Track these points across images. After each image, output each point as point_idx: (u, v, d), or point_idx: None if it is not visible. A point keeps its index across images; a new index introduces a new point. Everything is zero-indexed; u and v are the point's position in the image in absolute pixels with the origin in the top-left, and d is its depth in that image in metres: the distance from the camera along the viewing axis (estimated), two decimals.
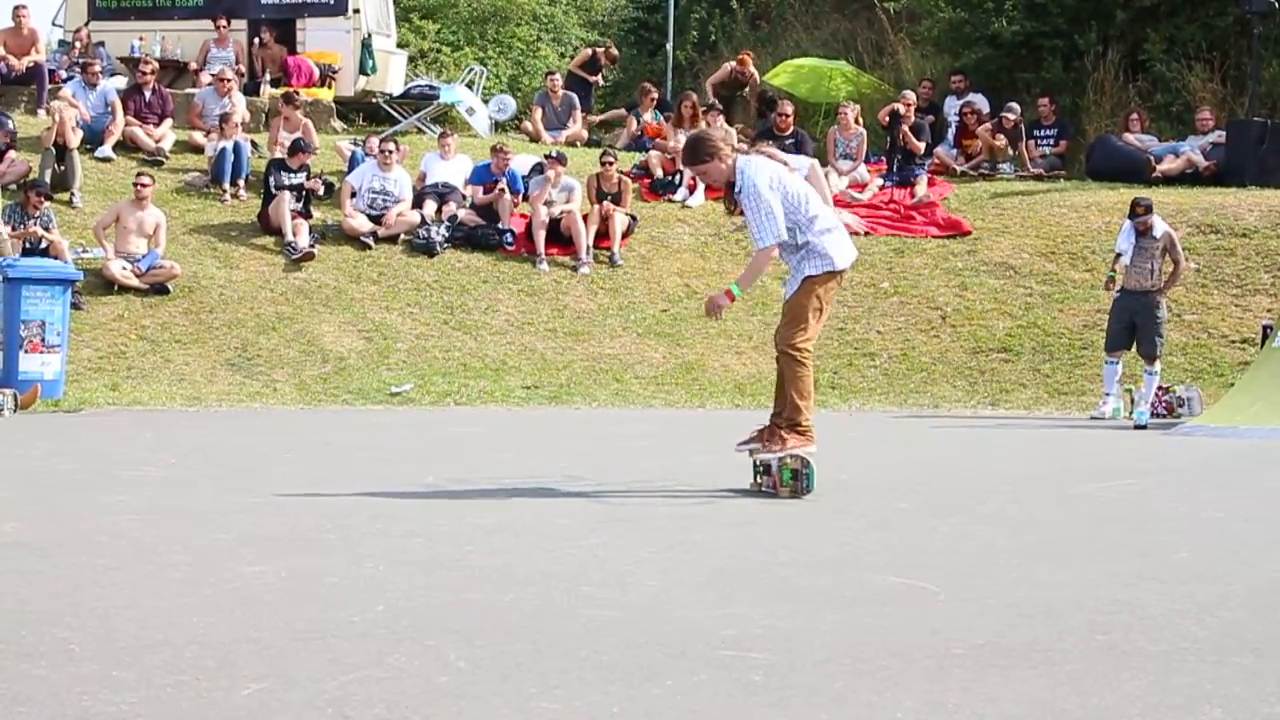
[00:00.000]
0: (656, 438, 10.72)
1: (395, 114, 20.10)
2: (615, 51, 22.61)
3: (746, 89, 20.13)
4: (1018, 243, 16.02)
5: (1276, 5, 16.88)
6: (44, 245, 13.63)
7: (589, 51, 21.88)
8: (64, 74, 18.46)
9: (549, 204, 15.81)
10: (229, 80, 17.67)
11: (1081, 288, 15.03)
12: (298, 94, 17.85)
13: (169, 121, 17.35)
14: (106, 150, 16.65)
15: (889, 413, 12.69)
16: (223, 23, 19.31)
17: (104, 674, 3.64)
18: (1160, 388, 12.37)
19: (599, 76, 21.58)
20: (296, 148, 15.77)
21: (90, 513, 6.43)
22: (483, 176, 16.32)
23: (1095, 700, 3.53)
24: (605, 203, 16.00)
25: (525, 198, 16.22)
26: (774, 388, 7.38)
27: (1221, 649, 4.01)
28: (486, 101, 21.07)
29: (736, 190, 6.98)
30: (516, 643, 4.01)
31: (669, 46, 23.90)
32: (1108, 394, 12.48)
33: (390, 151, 16.04)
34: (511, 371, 13.71)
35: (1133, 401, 12.02)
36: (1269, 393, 11.52)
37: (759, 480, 7.22)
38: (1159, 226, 12.55)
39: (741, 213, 7.16)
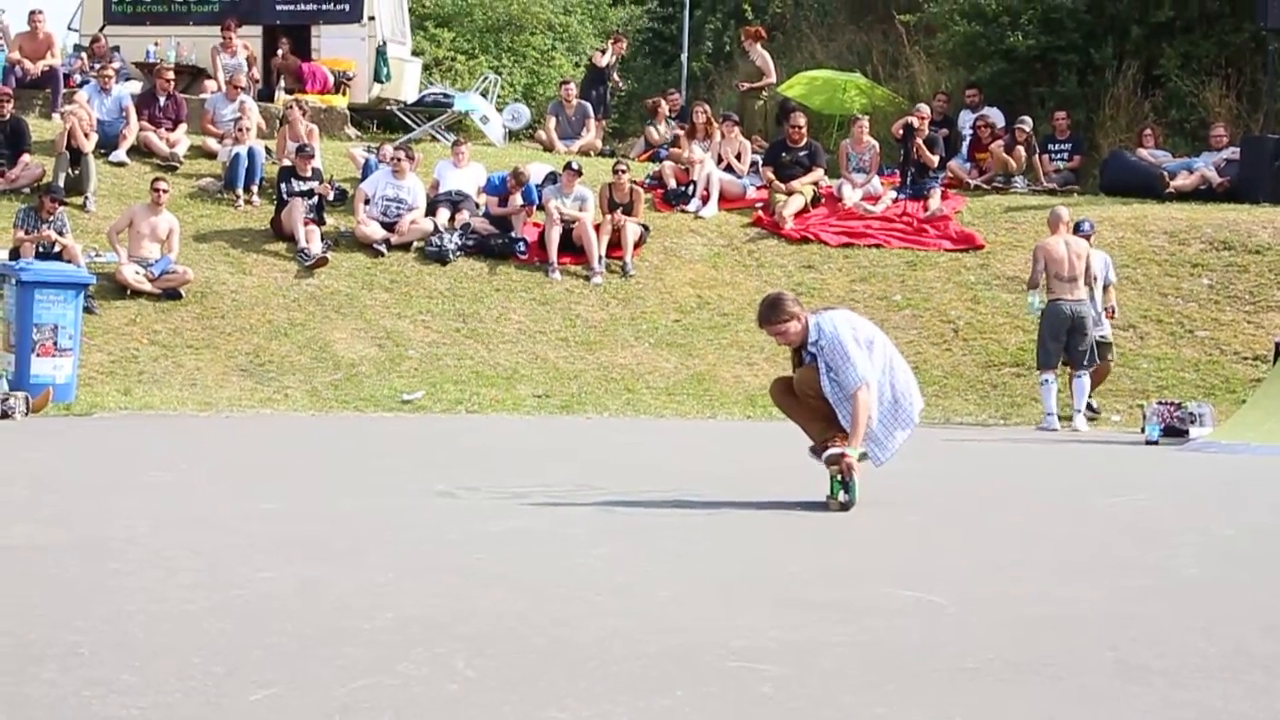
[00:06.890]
0: (668, 448, 10.71)
1: (409, 121, 20.13)
2: (621, 43, 22.20)
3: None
4: (1030, 257, 15.96)
5: None
6: (57, 249, 13.67)
7: (597, 54, 21.71)
8: (79, 78, 18.49)
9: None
10: (239, 86, 17.65)
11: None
12: (304, 100, 17.79)
13: (183, 126, 17.36)
14: (121, 155, 16.66)
15: None
16: (229, 31, 19.12)
17: (113, 678, 3.65)
18: (1172, 403, 12.33)
19: (613, 71, 21.23)
20: (299, 153, 15.77)
21: (101, 517, 6.44)
22: (499, 188, 16.31)
23: (1103, 715, 3.52)
24: (617, 212, 15.99)
25: (539, 207, 16.22)
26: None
27: (1231, 666, 4.00)
28: (501, 110, 21.09)
29: (812, 342, 7.04)
30: (525, 652, 4.01)
31: (684, 57, 23.91)
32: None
33: (403, 159, 16.05)
34: (523, 380, 13.71)
35: (1144, 417, 12.00)
36: None
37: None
38: (1081, 243, 12.95)
39: (811, 364, 7.14)
